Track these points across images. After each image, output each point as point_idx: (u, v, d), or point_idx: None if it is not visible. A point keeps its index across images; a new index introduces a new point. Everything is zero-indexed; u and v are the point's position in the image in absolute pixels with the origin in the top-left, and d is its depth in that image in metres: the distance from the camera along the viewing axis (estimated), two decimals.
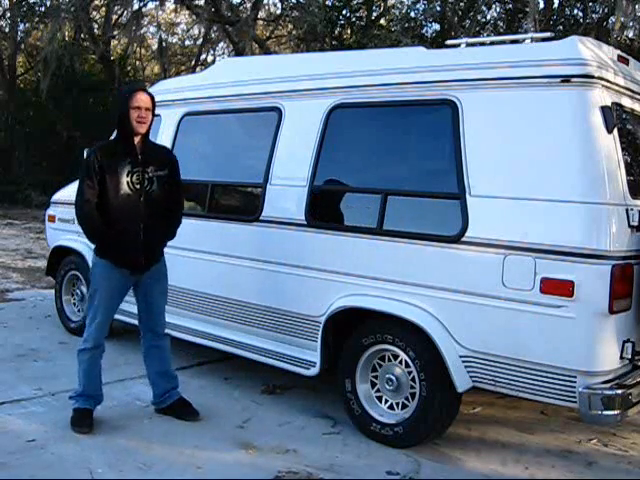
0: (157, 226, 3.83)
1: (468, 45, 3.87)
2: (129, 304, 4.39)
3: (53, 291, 6.18)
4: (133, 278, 3.85)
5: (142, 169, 3.75)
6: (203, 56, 23.17)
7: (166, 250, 3.99)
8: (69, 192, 6.08)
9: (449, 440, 3.83)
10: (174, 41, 24.09)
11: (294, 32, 17.74)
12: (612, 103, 3.37)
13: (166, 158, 3.95)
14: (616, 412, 3.20)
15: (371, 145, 4.06)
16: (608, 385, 3.21)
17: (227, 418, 4.03)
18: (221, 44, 21.49)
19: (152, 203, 3.78)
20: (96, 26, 19.63)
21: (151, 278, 3.90)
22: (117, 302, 3.91)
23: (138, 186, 3.73)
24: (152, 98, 3.79)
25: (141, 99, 3.71)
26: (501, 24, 15.74)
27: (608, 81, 3.39)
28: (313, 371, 4.02)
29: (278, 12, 19.10)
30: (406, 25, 15.99)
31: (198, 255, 4.72)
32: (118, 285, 3.83)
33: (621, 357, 3.27)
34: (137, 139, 3.77)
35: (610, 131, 3.27)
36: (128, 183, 3.71)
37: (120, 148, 3.77)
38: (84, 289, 5.74)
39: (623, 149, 3.39)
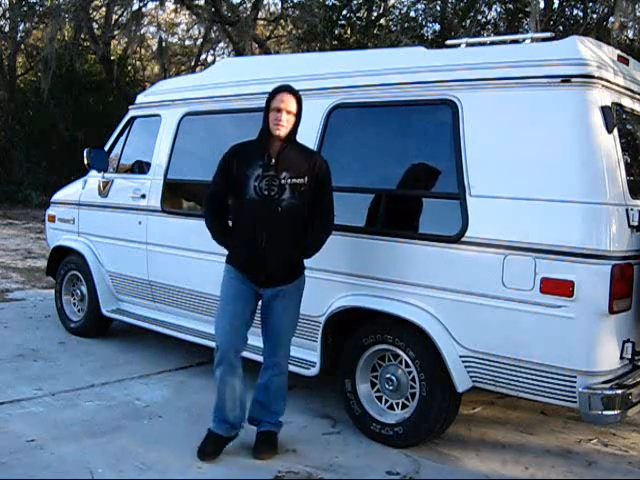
0: (285, 240, 3.38)
1: (468, 45, 3.87)
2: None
3: (53, 291, 6.19)
4: (255, 289, 3.46)
5: (274, 174, 3.35)
6: (203, 56, 23.23)
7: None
8: (69, 192, 6.10)
9: (449, 440, 3.83)
10: (174, 41, 24.13)
11: (294, 32, 17.76)
12: (612, 103, 3.37)
13: (309, 164, 3.42)
14: (616, 412, 3.19)
15: (371, 145, 4.05)
16: (608, 385, 3.20)
17: None
18: (221, 44, 21.56)
19: (283, 213, 3.34)
20: (96, 26, 19.62)
21: (274, 296, 3.47)
22: (238, 312, 3.45)
23: (266, 192, 3.33)
24: (298, 101, 3.39)
25: (282, 100, 3.34)
26: (501, 24, 15.76)
27: (608, 81, 3.39)
28: (313, 371, 4.02)
29: (278, 12, 19.12)
30: (406, 25, 16.02)
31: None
32: (238, 291, 3.45)
33: (621, 357, 3.26)
34: (276, 141, 3.39)
35: (610, 131, 3.27)
36: (255, 188, 3.34)
37: (255, 148, 3.43)
38: (84, 289, 5.76)
39: (623, 149, 3.38)
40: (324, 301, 3.94)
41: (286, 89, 3.40)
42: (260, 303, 3.54)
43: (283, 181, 3.34)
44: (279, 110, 3.33)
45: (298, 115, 3.41)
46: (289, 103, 3.35)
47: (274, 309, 3.50)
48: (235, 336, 3.46)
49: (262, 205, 3.35)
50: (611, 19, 12.41)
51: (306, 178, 3.39)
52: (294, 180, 3.36)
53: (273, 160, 3.36)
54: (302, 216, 3.44)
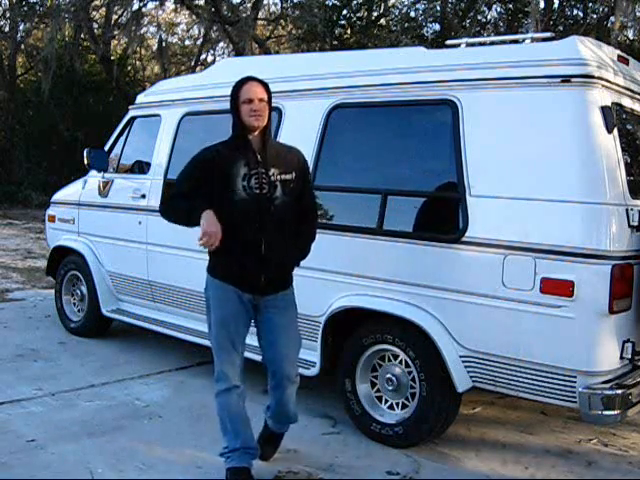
0: (282, 240, 3.19)
1: (468, 45, 3.88)
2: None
3: (53, 291, 6.19)
4: (251, 301, 3.20)
5: (263, 171, 3.14)
6: (203, 56, 23.23)
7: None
8: (69, 192, 6.10)
9: (449, 440, 3.83)
10: (174, 41, 24.15)
11: (294, 32, 17.76)
12: (612, 103, 3.37)
13: (293, 159, 3.26)
14: (616, 412, 3.19)
15: (371, 145, 4.05)
16: (608, 385, 3.20)
17: None
18: (221, 44, 21.57)
19: (277, 212, 3.15)
20: (96, 26, 19.63)
21: (275, 307, 3.22)
22: (239, 331, 3.22)
23: (257, 191, 3.12)
24: (266, 87, 3.18)
25: (251, 90, 3.12)
26: (501, 24, 15.77)
27: (608, 81, 3.39)
28: (313, 371, 4.02)
29: (278, 12, 19.13)
30: (406, 25, 16.03)
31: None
32: (235, 310, 3.18)
33: (621, 357, 3.26)
34: (255, 136, 3.17)
35: (610, 131, 3.27)
36: (245, 187, 3.11)
37: (235, 147, 3.18)
38: (84, 289, 5.76)
39: (623, 149, 3.39)
40: (324, 301, 3.94)
41: (250, 79, 3.18)
42: (258, 317, 3.27)
43: (273, 178, 3.15)
44: (251, 100, 3.11)
45: (270, 103, 3.19)
46: (258, 91, 3.13)
47: (278, 323, 3.24)
48: (239, 362, 3.26)
49: (255, 204, 3.12)
50: (611, 19, 12.43)
51: (294, 174, 3.22)
52: (284, 176, 3.18)
53: (259, 156, 3.15)
54: (292, 213, 3.25)
